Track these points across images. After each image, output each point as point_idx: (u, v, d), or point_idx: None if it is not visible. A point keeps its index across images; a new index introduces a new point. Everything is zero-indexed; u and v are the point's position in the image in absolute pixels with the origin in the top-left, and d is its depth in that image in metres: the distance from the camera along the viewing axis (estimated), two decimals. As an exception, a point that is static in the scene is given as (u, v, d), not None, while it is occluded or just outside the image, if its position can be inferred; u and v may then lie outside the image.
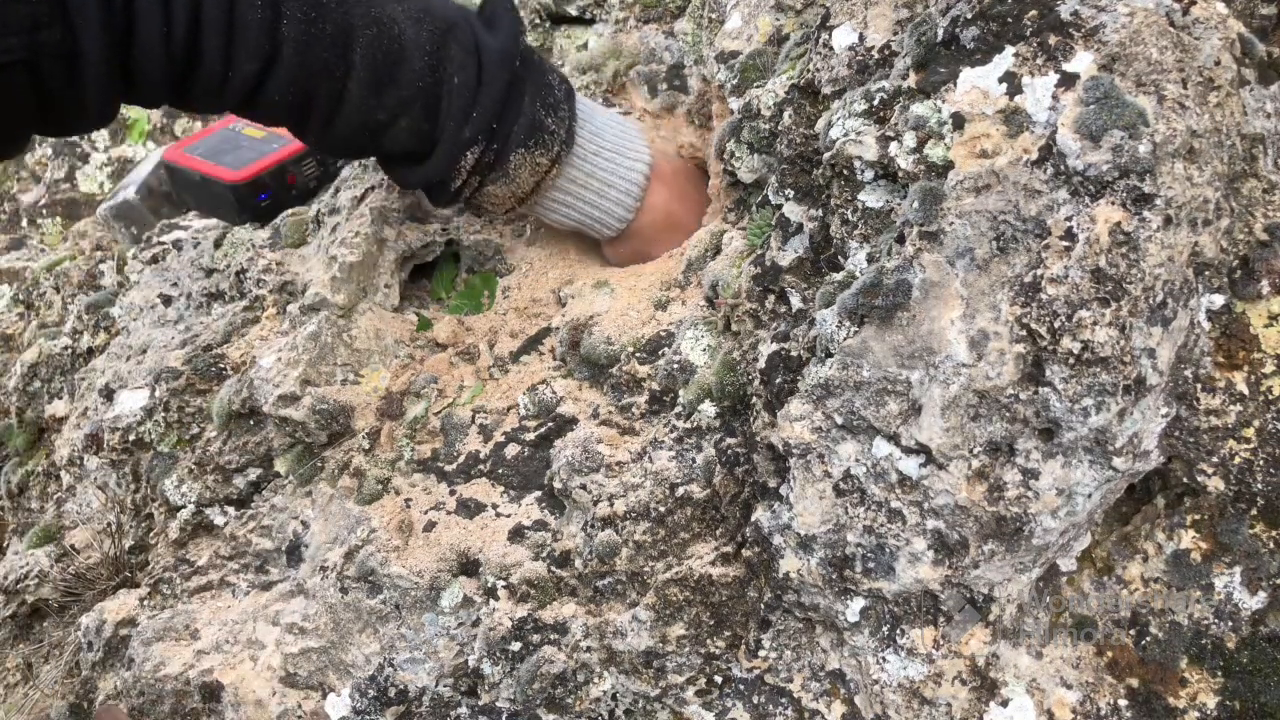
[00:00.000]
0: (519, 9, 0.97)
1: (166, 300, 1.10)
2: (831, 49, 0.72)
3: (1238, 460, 0.61)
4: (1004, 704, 0.64)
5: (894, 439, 0.61)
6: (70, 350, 1.20)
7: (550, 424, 0.82)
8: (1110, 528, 0.66)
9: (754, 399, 0.70)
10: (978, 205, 0.59)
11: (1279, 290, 0.62)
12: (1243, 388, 0.62)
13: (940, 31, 0.63)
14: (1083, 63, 0.58)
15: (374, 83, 0.75)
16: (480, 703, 0.76)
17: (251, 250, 1.02)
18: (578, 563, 0.75)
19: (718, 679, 0.72)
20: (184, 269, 1.12)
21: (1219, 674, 0.62)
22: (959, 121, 0.60)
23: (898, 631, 0.65)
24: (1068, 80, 0.58)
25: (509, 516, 0.79)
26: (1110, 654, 0.64)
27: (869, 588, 0.64)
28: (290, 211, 1.04)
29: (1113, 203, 0.56)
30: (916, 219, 0.60)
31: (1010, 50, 0.60)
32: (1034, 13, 0.60)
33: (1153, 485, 0.65)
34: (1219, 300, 0.62)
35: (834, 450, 0.63)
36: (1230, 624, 0.61)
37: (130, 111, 2.08)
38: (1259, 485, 0.61)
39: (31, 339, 1.28)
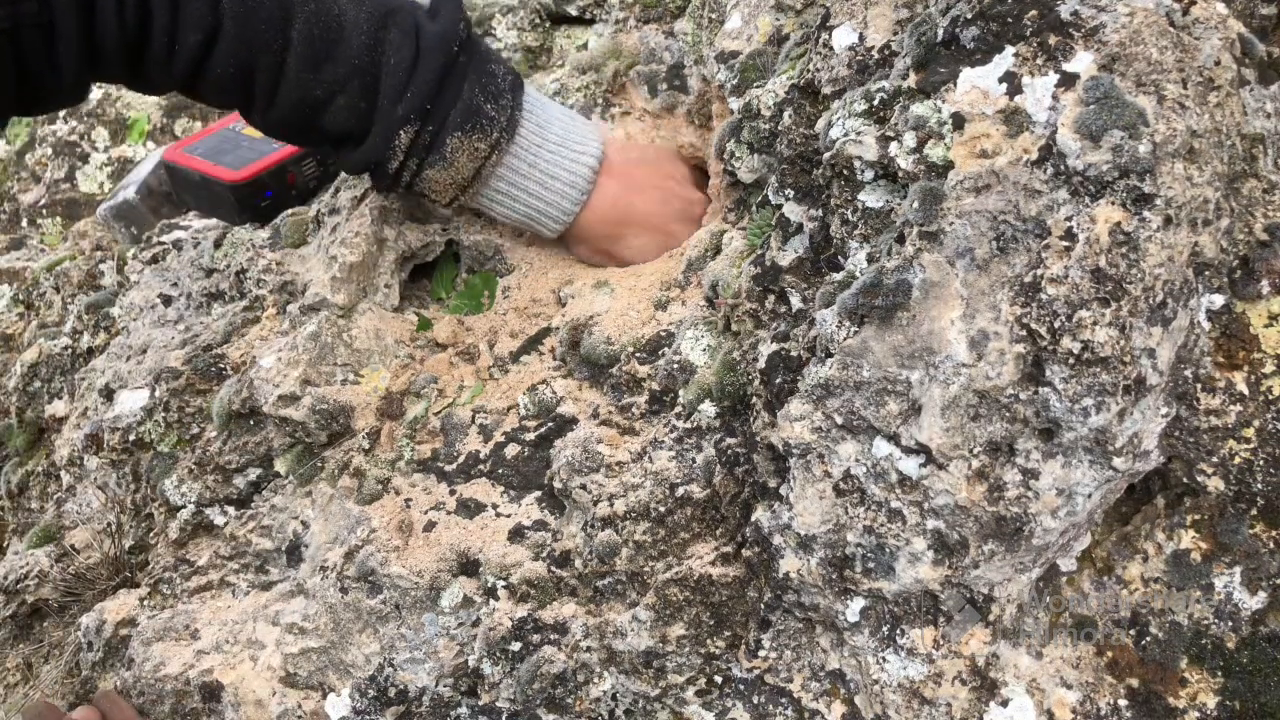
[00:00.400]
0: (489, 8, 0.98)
1: (166, 300, 1.10)
2: (831, 49, 0.72)
3: (1238, 460, 0.61)
4: (1004, 704, 0.64)
5: (894, 439, 0.61)
6: (70, 350, 1.20)
7: (550, 424, 0.82)
8: (1110, 528, 0.66)
9: (754, 399, 0.70)
10: (978, 205, 0.59)
11: (1279, 290, 0.62)
12: (1243, 388, 0.62)
13: (940, 31, 0.63)
14: (1083, 63, 0.58)
15: (311, 59, 0.77)
16: (480, 703, 0.76)
17: (251, 250, 1.02)
18: (578, 563, 0.75)
19: (718, 679, 0.72)
20: (184, 269, 1.12)
21: (1219, 674, 0.62)
22: (959, 121, 0.60)
23: (898, 631, 0.65)
24: (1068, 80, 0.58)
25: (509, 516, 0.80)
26: (1110, 654, 0.64)
27: (869, 588, 0.64)
28: (290, 211, 1.04)
29: (1113, 203, 0.56)
30: (916, 219, 0.60)
31: (1010, 50, 0.60)
32: (1034, 13, 0.60)
33: (1153, 485, 0.65)
34: (1219, 300, 0.62)
35: (834, 450, 0.63)
36: (1230, 624, 0.61)
37: (130, 111, 2.08)
38: (1259, 485, 0.61)
39: (31, 339, 1.28)
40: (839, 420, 0.63)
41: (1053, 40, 0.59)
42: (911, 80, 0.64)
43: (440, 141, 0.81)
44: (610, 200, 0.88)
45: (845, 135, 0.65)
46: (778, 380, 0.67)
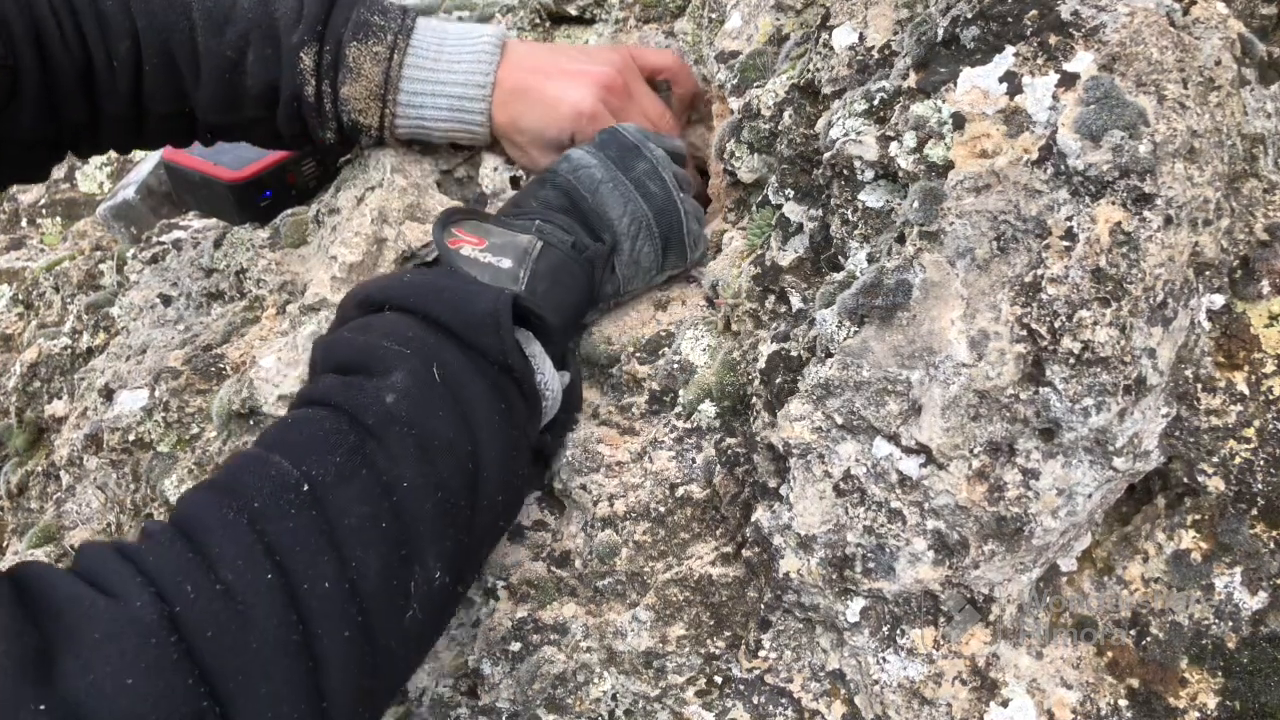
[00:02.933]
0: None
1: (166, 300, 1.10)
2: (831, 49, 0.72)
3: (1238, 460, 0.61)
4: (1004, 704, 0.64)
5: (894, 439, 0.61)
6: (70, 350, 1.20)
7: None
8: (1110, 528, 0.66)
9: (754, 399, 0.70)
10: (978, 205, 0.59)
11: (1279, 290, 0.62)
12: (1243, 388, 0.62)
13: (940, 31, 0.63)
14: (1083, 63, 0.58)
15: (214, 27, 0.83)
16: (480, 703, 0.76)
17: (251, 250, 1.02)
18: (578, 563, 0.75)
19: (718, 679, 0.71)
20: (184, 269, 1.12)
21: (1219, 674, 0.62)
22: (959, 121, 0.60)
23: (898, 632, 0.65)
24: (1068, 80, 0.58)
25: (509, 516, 0.79)
26: (1110, 654, 0.64)
27: (869, 588, 0.64)
28: (290, 211, 1.04)
29: (1113, 203, 0.56)
30: (917, 219, 0.60)
31: (1010, 50, 0.60)
32: (1034, 12, 0.60)
33: (1153, 485, 0.65)
34: (1219, 300, 0.62)
35: (834, 450, 0.63)
36: (1230, 624, 0.61)
37: (130, 111, 2.08)
38: (1259, 485, 0.61)
39: (31, 339, 1.28)
40: (839, 420, 0.63)
41: (1053, 40, 0.59)
42: (912, 80, 0.64)
43: (341, 55, 0.85)
44: (519, 55, 0.90)
45: (845, 135, 0.65)
46: (778, 380, 0.67)
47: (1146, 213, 0.55)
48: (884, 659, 0.65)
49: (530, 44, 0.94)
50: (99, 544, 0.52)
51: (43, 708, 0.42)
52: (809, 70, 0.74)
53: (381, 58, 0.86)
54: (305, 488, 0.55)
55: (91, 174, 2.20)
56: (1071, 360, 0.56)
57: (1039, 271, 0.57)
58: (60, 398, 1.19)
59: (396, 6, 0.89)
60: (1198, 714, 0.62)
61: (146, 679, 0.45)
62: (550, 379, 0.71)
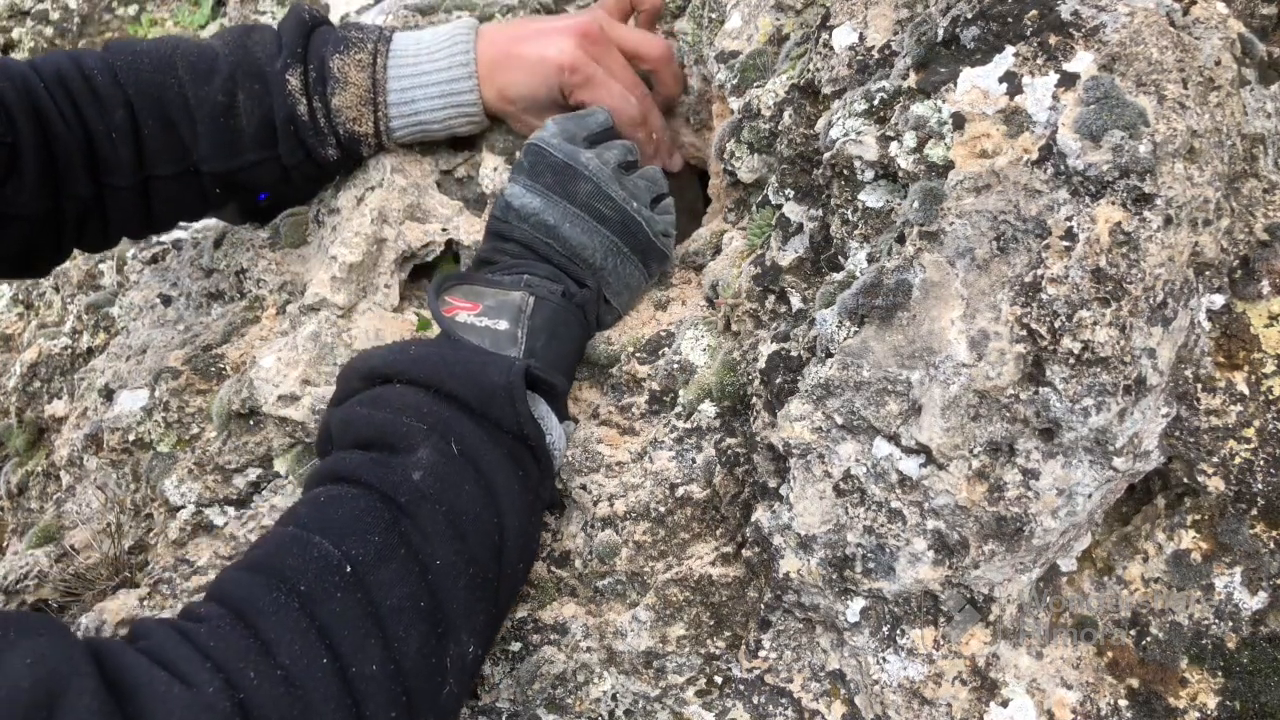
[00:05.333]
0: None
1: (166, 300, 1.10)
2: (831, 49, 0.72)
3: (1238, 460, 0.61)
4: (1004, 704, 0.64)
5: (894, 439, 0.61)
6: (70, 350, 1.20)
7: (550, 424, 0.82)
8: (1110, 528, 0.66)
9: (754, 399, 0.70)
10: (978, 205, 0.59)
11: (1279, 290, 0.62)
12: (1243, 388, 0.62)
13: (940, 31, 0.63)
14: (1083, 63, 0.58)
15: (200, 77, 0.85)
16: (480, 703, 0.76)
17: (251, 250, 1.02)
18: (578, 563, 0.75)
19: (718, 679, 0.71)
20: (184, 269, 1.12)
21: (1219, 674, 0.62)
22: (959, 121, 0.60)
23: (898, 632, 0.65)
24: (1068, 80, 0.58)
25: (509, 516, 0.79)
26: (1110, 654, 0.64)
27: (869, 588, 0.64)
28: (290, 211, 1.04)
29: (1113, 203, 0.56)
30: (917, 219, 0.60)
31: (1010, 50, 0.60)
32: (1034, 12, 0.60)
33: (1153, 485, 0.65)
34: (1219, 300, 0.62)
35: (834, 450, 0.63)
36: (1230, 624, 0.61)
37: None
38: (1259, 485, 0.61)
39: (31, 339, 1.27)
40: (839, 420, 0.63)
41: (1053, 40, 0.59)
42: (912, 80, 0.64)
43: (326, 69, 0.87)
44: (493, 30, 0.91)
45: (845, 135, 0.65)
46: (778, 380, 0.67)
47: (1146, 213, 0.55)
48: (884, 659, 0.65)
49: (502, 22, 0.94)
50: (155, 622, 0.54)
51: None
52: (809, 70, 0.74)
53: (365, 64, 0.87)
54: (348, 569, 0.56)
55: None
56: (1071, 360, 0.56)
57: (1039, 271, 0.57)
58: (60, 398, 1.19)
59: (370, 25, 0.91)
60: (1198, 714, 0.62)
61: None
62: (558, 438, 0.73)
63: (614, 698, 0.74)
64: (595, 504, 0.75)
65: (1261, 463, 0.61)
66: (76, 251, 0.97)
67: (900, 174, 0.63)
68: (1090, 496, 0.59)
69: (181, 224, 1.01)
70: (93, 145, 0.84)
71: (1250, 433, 0.61)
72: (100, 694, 0.45)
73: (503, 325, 0.74)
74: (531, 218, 0.79)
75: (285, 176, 0.93)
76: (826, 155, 0.67)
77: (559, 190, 0.79)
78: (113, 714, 0.45)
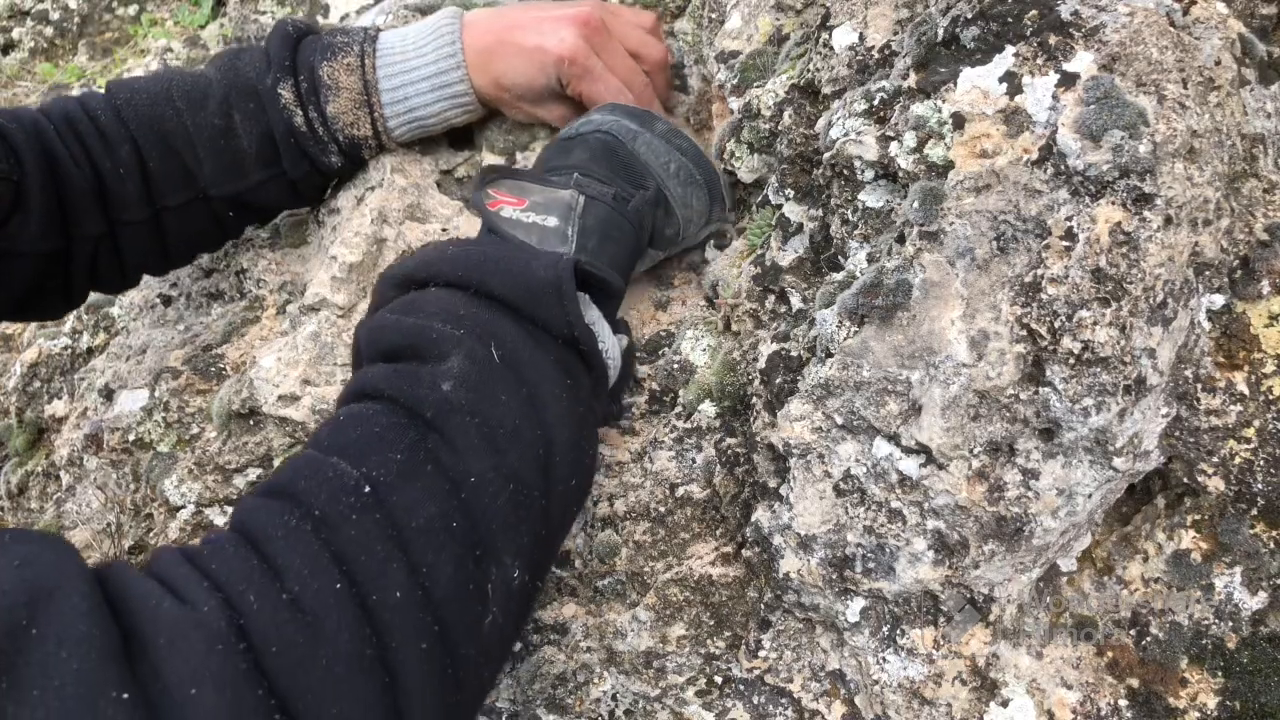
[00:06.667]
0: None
1: (166, 300, 1.10)
2: (831, 49, 0.72)
3: (1238, 460, 0.61)
4: (1004, 704, 0.64)
5: (894, 439, 0.61)
6: (70, 350, 1.20)
7: (550, 424, 0.82)
8: (1110, 528, 0.66)
9: (754, 399, 0.70)
10: (978, 205, 0.59)
11: (1279, 290, 0.62)
12: (1243, 388, 0.62)
13: (940, 31, 0.63)
14: (1083, 63, 0.58)
15: (196, 103, 0.86)
16: (480, 703, 0.77)
17: (251, 250, 1.02)
18: (578, 563, 0.75)
19: (718, 679, 0.71)
20: (184, 269, 1.12)
21: (1219, 674, 0.62)
22: (959, 121, 0.60)
23: (898, 632, 0.65)
24: (1068, 80, 0.58)
25: (509, 516, 0.79)
26: (1110, 654, 0.64)
27: (869, 588, 0.64)
28: (290, 211, 1.04)
29: (1113, 203, 0.56)
30: (917, 219, 0.60)
31: (1010, 50, 0.60)
32: (1034, 12, 0.60)
33: (1153, 485, 0.65)
34: (1219, 300, 0.62)
35: (834, 450, 0.63)
36: (1230, 624, 0.61)
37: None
38: (1259, 485, 0.61)
39: (31, 339, 1.28)
40: (839, 420, 0.63)
41: (1053, 40, 0.59)
42: (911, 80, 0.64)
43: (316, 78, 0.86)
44: (479, 18, 0.90)
45: (845, 135, 0.65)
46: (778, 380, 0.67)
47: (1146, 213, 0.55)
48: (884, 659, 0.65)
49: (488, 9, 0.93)
50: (169, 548, 0.50)
51: (125, 697, 0.40)
52: (809, 70, 0.74)
53: (354, 67, 0.87)
54: (366, 489, 0.52)
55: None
56: (1071, 360, 0.56)
57: (1039, 271, 0.57)
58: (60, 398, 1.19)
59: (354, 27, 0.91)
60: (1198, 714, 0.62)
61: (215, 689, 0.42)
62: (611, 346, 0.67)
63: (614, 698, 0.74)
64: (595, 504, 0.75)
65: (1261, 463, 0.61)
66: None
67: (900, 174, 0.63)
68: (1090, 496, 0.59)
69: (201, 256, 1.01)
70: (102, 182, 0.84)
71: (1250, 433, 0.61)
72: (92, 598, 0.42)
73: (552, 222, 0.68)
74: (612, 124, 0.75)
75: (293, 191, 0.93)
76: (826, 155, 0.67)
77: (641, 122, 0.77)
78: (106, 620, 0.42)
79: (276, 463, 0.90)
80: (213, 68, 0.89)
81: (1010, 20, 0.61)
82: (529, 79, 0.88)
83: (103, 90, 0.88)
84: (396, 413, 0.56)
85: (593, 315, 0.66)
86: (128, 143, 0.85)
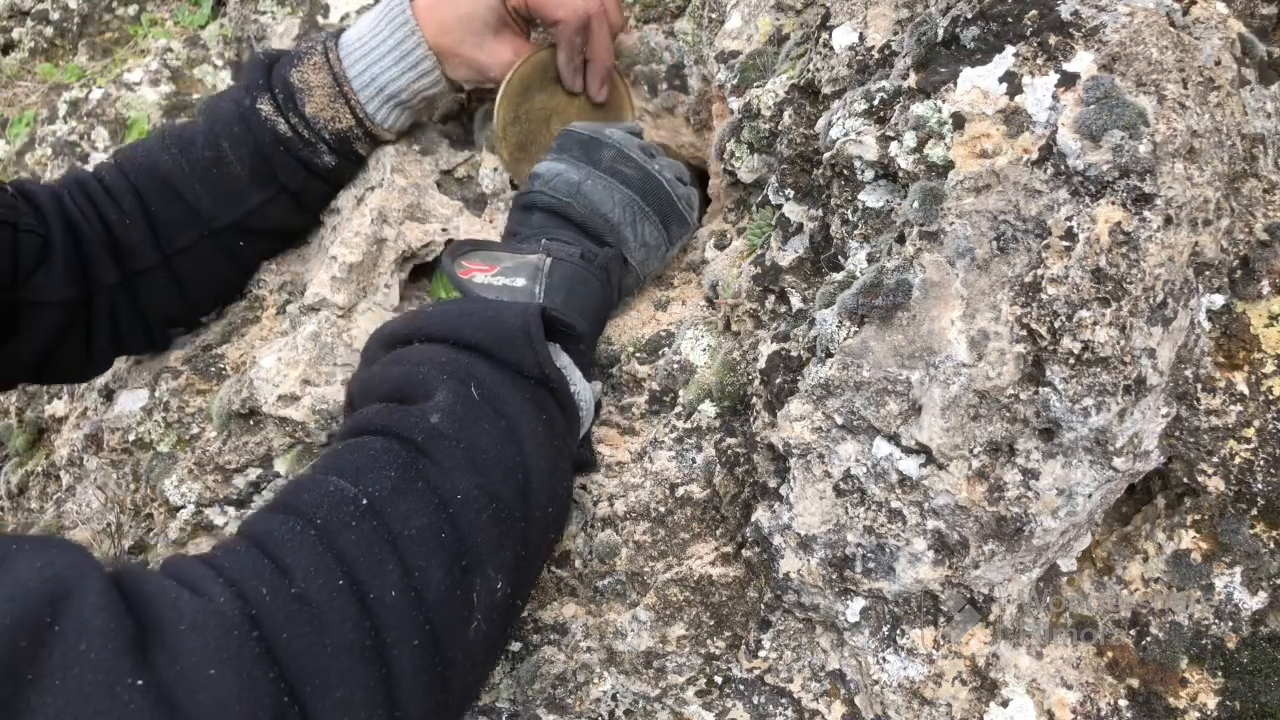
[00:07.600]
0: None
1: (166, 300, 1.10)
2: (831, 49, 0.72)
3: (1238, 460, 0.61)
4: (1004, 704, 0.64)
5: (894, 439, 0.61)
6: (70, 350, 1.20)
7: (550, 424, 0.82)
8: (1110, 528, 0.66)
9: (754, 399, 0.70)
10: (978, 205, 0.59)
11: (1279, 290, 0.62)
12: (1243, 388, 0.62)
13: (940, 31, 0.63)
14: (1083, 63, 0.58)
15: (186, 144, 0.90)
16: (480, 703, 0.76)
17: (251, 250, 1.02)
18: (578, 563, 0.75)
19: (718, 679, 0.71)
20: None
21: (1219, 674, 0.62)
22: (959, 121, 0.60)
23: (898, 632, 0.65)
24: (1068, 80, 0.58)
25: (509, 516, 0.79)
26: (1110, 654, 0.64)
27: (869, 588, 0.64)
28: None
29: (1113, 203, 0.56)
30: (917, 219, 0.60)
31: (1010, 50, 0.60)
32: (1034, 13, 0.60)
33: (1153, 485, 0.65)
34: (1219, 300, 0.62)
35: (834, 450, 0.63)
36: (1230, 624, 0.61)
37: (130, 111, 2.08)
38: (1259, 485, 0.61)
39: (31, 339, 1.27)
40: (839, 420, 0.63)
41: (1053, 40, 0.59)
42: (911, 80, 0.64)
43: (290, 86, 0.90)
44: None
45: (845, 135, 0.65)
46: (778, 380, 0.67)
47: (1146, 213, 0.55)
48: (884, 659, 0.65)
49: None
50: (180, 555, 0.55)
51: (140, 683, 0.43)
52: (809, 70, 0.74)
53: (320, 65, 0.91)
54: (364, 502, 0.57)
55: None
56: (1071, 360, 0.56)
57: (1039, 271, 0.57)
58: (60, 398, 1.19)
59: (317, 35, 0.95)
60: (1198, 714, 0.62)
61: (231, 671, 0.46)
62: (583, 390, 0.72)
63: (614, 698, 0.74)
64: (595, 504, 0.75)
65: (1261, 463, 0.61)
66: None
67: (900, 174, 0.63)
68: (1090, 496, 0.59)
69: (225, 306, 1.02)
70: (111, 233, 0.89)
71: (1250, 433, 0.61)
72: (108, 595, 0.45)
73: (520, 282, 0.75)
74: (555, 179, 0.81)
75: (296, 204, 0.94)
76: (826, 155, 0.67)
77: (584, 158, 0.82)
78: (122, 614, 0.45)
79: (276, 463, 0.90)
80: (197, 112, 0.95)
81: (1010, 20, 0.61)
82: (470, 9, 0.90)
83: (111, 159, 0.94)
84: (390, 441, 0.61)
85: (564, 360, 0.72)
86: (130, 193, 0.89)
